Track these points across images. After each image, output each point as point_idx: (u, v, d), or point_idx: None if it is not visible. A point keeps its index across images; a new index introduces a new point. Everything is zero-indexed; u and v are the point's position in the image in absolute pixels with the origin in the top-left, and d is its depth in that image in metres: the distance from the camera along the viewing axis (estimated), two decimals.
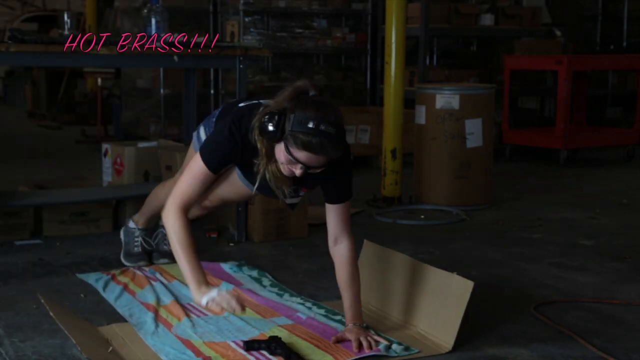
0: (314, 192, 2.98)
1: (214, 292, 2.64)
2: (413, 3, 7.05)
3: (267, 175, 2.71)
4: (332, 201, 2.84)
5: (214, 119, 3.06)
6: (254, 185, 2.82)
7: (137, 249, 3.79)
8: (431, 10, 7.21)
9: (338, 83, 8.54)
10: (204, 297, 2.65)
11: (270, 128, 2.57)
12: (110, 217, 4.47)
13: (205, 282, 2.70)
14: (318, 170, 2.65)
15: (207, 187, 2.86)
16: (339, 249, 2.86)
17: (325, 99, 2.68)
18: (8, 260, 3.86)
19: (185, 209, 2.76)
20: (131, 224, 3.81)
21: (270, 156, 2.68)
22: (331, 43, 8.33)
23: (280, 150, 2.61)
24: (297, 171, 2.62)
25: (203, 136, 3.09)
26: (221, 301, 2.63)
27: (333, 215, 2.86)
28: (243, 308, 2.67)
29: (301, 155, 2.56)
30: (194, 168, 2.78)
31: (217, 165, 2.79)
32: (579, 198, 5.67)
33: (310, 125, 2.53)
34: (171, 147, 4.77)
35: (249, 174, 2.85)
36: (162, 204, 3.59)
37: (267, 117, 2.59)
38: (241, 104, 2.95)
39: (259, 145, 2.67)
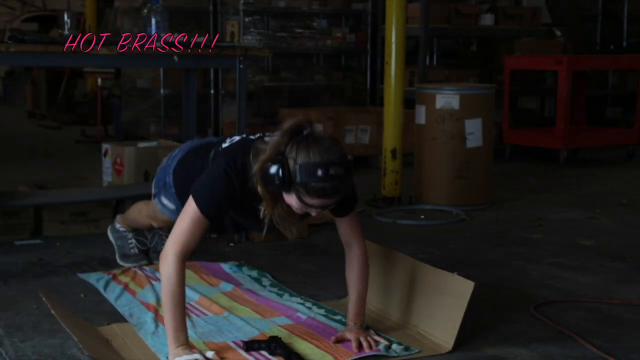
0: None
1: (186, 357, 2.54)
2: (413, 3, 7.05)
3: (274, 219, 2.65)
4: (340, 215, 2.83)
5: (172, 186, 3.03)
6: (253, 224, 2.78)
7: (134, 250, 3.78)
8: (431, 10, 7.21)
9: (338, 83, 8.54)
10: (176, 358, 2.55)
11: (277, 182, 2.50)
12: (110, 217, 4.46)
13: (185, 342, 2.59)
14: (330, 207, 2.61)
15: (206, 231, 2.73)
16: (351, 252, 2.87)
17: (321, 134, 2.59)
18: (8, 260, 3.86)
19: (185, 256, 2.64)
20: (119, 226, 3.80)
21: (276, 201, 2.61)
22: (331, 43, 8.33)
23: (291, 198, 2.55)
24: (313, 213, 2.60)
25: (169, 204, 3.05)
26: None
27: (342, 225, 2.85)
28: None
29: (316, 202, 2.52)
30: (191, 214, 2.64)
31: (215, 213, 2.67)
32: (579, 198, 5.67)
33: (320, 173, 2.48)
34: (171, 147, 4.75)
35: (247, 217, 2.79)
36: (145, 224, 3.60)
37: (269, 167, 2.51)
38: (224, 144, 2.84)
39: (261, 192, 2.59)
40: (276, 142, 2.55)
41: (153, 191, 3.25)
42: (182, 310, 2.61)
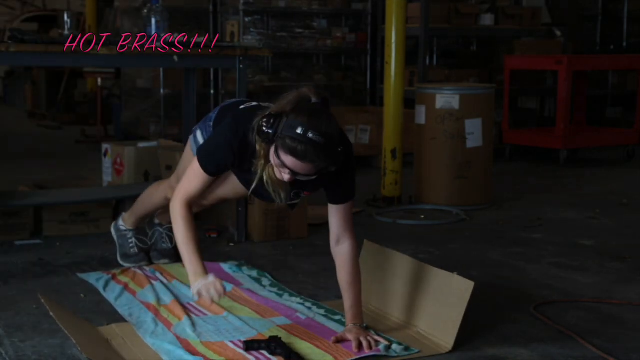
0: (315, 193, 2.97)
1: (200, 282, 2.71)
2: (413, 3, 7.05)
3: (265, 178, 2.70)
4: (335, 201, 2.84)
5: (211, 123, 3.07)
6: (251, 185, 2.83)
7: (134, 250, 3.79)
8: (431, 10, 7.21)
9: (338, 83, 8.54)
10: (194, 288, 2.73)
11: (265, 129, 2.58)
12: (110, 217, 4.46)
13: (203, 273, 2.75)
14: (305, 179, 2.64)
15: (208, 186, 2.92)
16: (341, 249, 2.86)
17: (324, 109, 2.63)
18: (8, 260, 3.86)
19: (190, 203, 2.85)
20: (121, 225, 3.81)
21: (269, 158, 2.67)
22: (331, 43, 8.33)
23: (272, 152, 2.62)
24: (285, 176, 2.62)
25: (200, 139, 3.10)
26: (202, 289, 2.70)
27: (335, 215, 2.85)
28: (220, 295, 2.70)
29: (287, 160, 2.56)
30: (194, 169, 2.86)
31: (215, 170, 2.86)
32: (579, 198, 5.67)
33: (299, 131, 2.52)
34: (171, 147, 4.77)
35: (247, 175, 2.84)
36: (157, 206, 3.63)
37: (265, 119, 2.60)
38: (241, 106, 2.96)
39: (257, 147, 2.67)
40: (282, 103, 2.63)
41: (192, 131, 3.25)
42: (196, 249, 2.78)
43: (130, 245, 3.79)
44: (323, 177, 2.71)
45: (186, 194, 2.86)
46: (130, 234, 3.78)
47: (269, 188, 2.73)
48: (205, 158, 2.84)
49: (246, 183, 2.92)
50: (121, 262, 3.76)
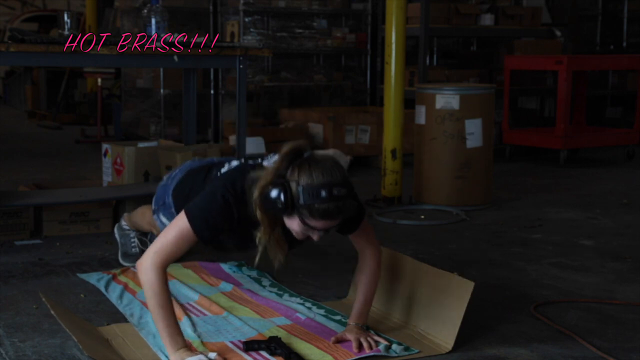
0: None
1: (191, 358, 2.52)
2: (413, 3, 7.05)
3: (269, 245, 2.62)
4: (348, 233, 2.82)
5: (172, 208, 2.99)
6: (241, 247, 2.80)
7: (135, 250, 3.78)
8: (431, 10, 7.21)
9: (338, 83, 8.54)
10: None
11: (279, 205, 2.47)
12: (110, 217, 4.47)
13: (184, 344, 2.58)
14: (333, 229, 2.59)
15: (191, 248, 2.67)
16: (365, 256, 2.88)
17: (321, 156, 2.56)
18: (8, 260, 3.86)
19: (165, 267, 2.58)
20: (124, 224, 3.81)
21: (273, 228, 2.58)
22: (331, 43, 8.33)
23: (293, 222, 2.52)
24: (315, 236, 2.56)
25: (168, 223, 2.97)
26: None
27: (354, 238, 2.86)
28: None
29: (320, 224, 2.50)
30: (181, 228, 2.60)
31: (210, 236, 2.63)
32: (579, 198, 5.67)
33: (324, 194, 2.45)
34: (171, 147, 4.77)
35: (236, 240, 2.77)
36: (146, 229, 3.59)
37: (270, 191, 2.48)
38: (222, 169, 2.82)
39: (260, 218, 2.55)
40: (276, 166, 2.52)
41: (153, 207, 3.23)
42: (173, 315, 2.58)
43: (132, 244, 3.79)
44: None
45: (165, 258, 2.57)
46: (132, 234, 3.78)
47: (269, 254, 2.64)
48: (200, 222, 2.58)
49: (235, 246, 2.83)
50: (121, 261, 3.76)
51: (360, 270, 2.89)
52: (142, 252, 3.78)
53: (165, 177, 3.28)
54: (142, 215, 3.61)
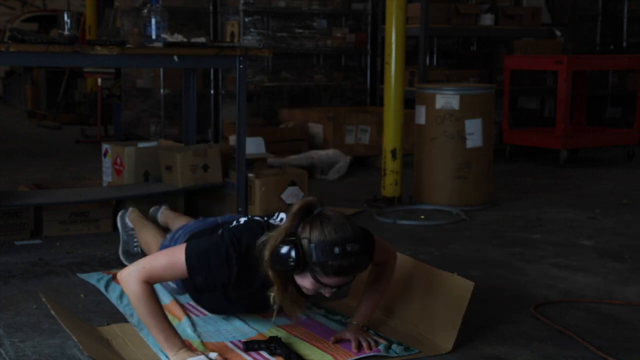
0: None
1: (192, 359, 2.52)
2: (413, 3, 7.05)
3: (283, 304, 2.58)
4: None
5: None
6: (235, 306, 2.78)
7: (137, 249, 3.78)
8: (431, 10, 7.21)
9: (338, 83, 8.54)
10: None
11: (292, 263, 2.44)
12: (110, 217, 4.46)
13: (182, 345, 2.58)
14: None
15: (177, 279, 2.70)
16: (382, 265, 2.86)
17: (332, 213, 2.53)
18: (8, 260, 3.86)
19: (150, 283, 2.56)
20: (128, 222, 3.80)
21: (286, 286, 2.54)
22: (331, 43, 8.33)
23: (305, 279, 2.50)
24: (327, 293, 2.54)
25: (170, 283, 2.99)
26: None
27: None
28: None
29: (332, 281, 2.48)
30: (176, 260, 2.57)
31: (201, 283, 2.60)
32: (579, 198, 5.67)
33: (337, 251, 2.43)
34: (171, 147, 4.76)
35: (251, 303, 2.74)
36: (145, 248, 3.55)
37: (280, 249, 2.46)
38: (232, 224, 2.80)
39: (272, 277, 2.51)
40: (287, 225, 2.50)
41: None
42: (165, 319, 2.58)
43: (135, 244, 3.78)
44: None
45: (150, 276, 2.55)
46: (135, 233, 3.77)
47: (287, 310, 2.61)
48: (197, 267, 2.56)
49: (229, 303, 2.78)
50: (122, 258, 3.75)
51: (374, 274, 2.87)
52: (143, 252, 3.78)
53: (168, 237, 3.21)
54: (146, 237, 3.55)
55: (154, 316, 2.54)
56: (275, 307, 2.59)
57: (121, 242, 3.81)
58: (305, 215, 2.50)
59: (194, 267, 2.57)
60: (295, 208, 2.52)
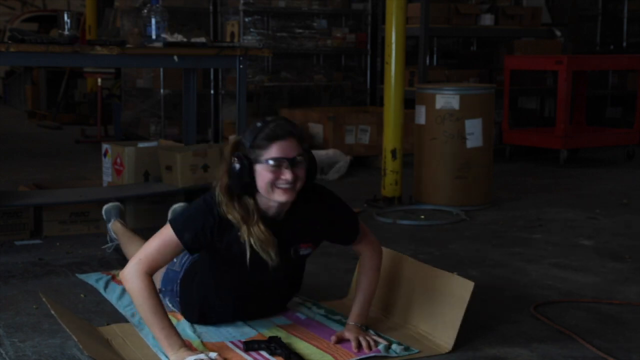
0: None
1: (191, 358, 2.52)
2: (413, 3, 7.05)
3: (252, 242, 2.61)
4: (346, 243, 2.87)
5: (178, 288, 2.96)
6: (241, 265, 2.72)
7: (110, 249, 3.80)
8: (431, 10, 7.21)
9: (338, 83, 8.54)
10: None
11: (238, 168, 2.55)
12: None
13: (182, 344, 2.58)
14: (300, 159, 2.58)
15: (176, 256, 2.71)
16: (363, 258, 2.91)
17: None
18: (8, 260, 3.86)
19: (150, 273, 2.60)
20: (112, 231, 3.78)
21: (248, 218, 2.60)
22: (331, 43, 8.33)
23: (260, 171, 2.56)
24: (287, 175, 2.55)
25: (171, 307, 3.01)
26: None
27: (355, 247, 2.89)
28: None
29: (274, 150, 2.54)
30: (164, 235, 2.62)
31: (192, 239, 2.62)
32: (579, 198, 5.67)
33: (259, 124, 2.59)
34: (171, 147, 4.76)
35: (235, 248, 2.70)
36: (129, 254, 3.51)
37: (227, 174, 2.58)
38: None
39: (233, 215, 2.59)
40: (224, 160, 2.63)
41: (160, 287, 3.12)
42: (165, 317, 2.59)
43: (110, 246, 3.81)
44: (316, 223, 2.73)
45: (148, 265, 2.59)
46: (120, 244, 3.72)
47: (260, 252, 2.63)
48: (182, 225, 2.62)
49: (239, 258, 2.73)
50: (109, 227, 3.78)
51: (361, 271, 2.91)
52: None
53: (176, 259, 3.11)
54: (127, 250, 3.54)
55: (155, 313, 2.56)
56: (247, 246, 2.60)
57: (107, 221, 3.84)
58: (237, 146, 2.64)
59: (181, 227, 2.61)
60: (228, 143, 2.68)
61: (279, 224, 2.67)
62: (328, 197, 2.79)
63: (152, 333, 2.84)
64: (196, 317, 2.92)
